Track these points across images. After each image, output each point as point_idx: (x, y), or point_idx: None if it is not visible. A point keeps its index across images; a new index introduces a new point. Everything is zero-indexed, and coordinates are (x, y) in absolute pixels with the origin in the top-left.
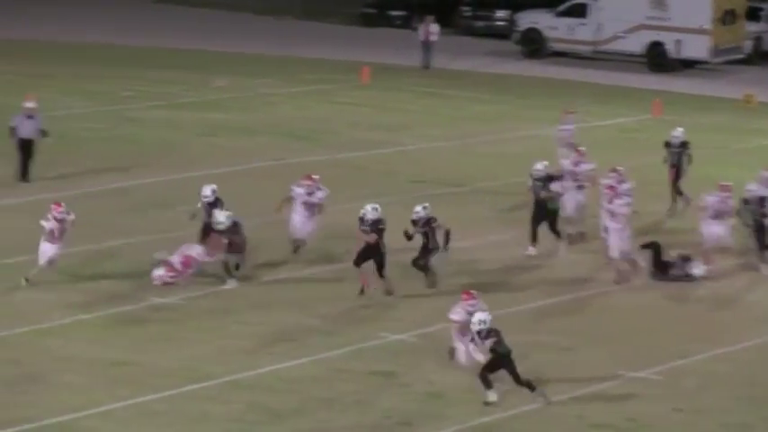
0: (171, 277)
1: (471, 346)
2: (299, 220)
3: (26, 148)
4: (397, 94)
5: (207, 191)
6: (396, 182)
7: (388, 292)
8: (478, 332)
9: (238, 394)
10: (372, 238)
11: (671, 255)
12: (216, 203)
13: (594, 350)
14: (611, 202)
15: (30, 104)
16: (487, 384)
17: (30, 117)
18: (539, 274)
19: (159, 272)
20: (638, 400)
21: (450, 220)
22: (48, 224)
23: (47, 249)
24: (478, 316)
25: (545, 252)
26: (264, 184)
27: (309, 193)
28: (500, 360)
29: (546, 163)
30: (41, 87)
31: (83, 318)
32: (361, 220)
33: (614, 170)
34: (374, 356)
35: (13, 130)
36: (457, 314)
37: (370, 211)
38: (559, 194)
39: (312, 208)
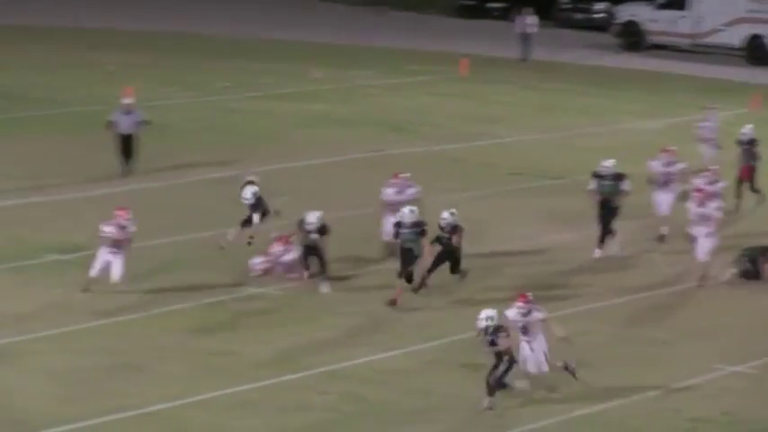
0: (267, 262)
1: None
2: (390, 222)
3: (125, 143)
4: (496, 87)
5: (247, 193)
6: (494, 174)
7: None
8: (485, 329)
9: (334, 385)
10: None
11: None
12: (257, 205)
13: (691, 344)
14: (701, 204)
15: (127, 100)
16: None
17: (128, 113)
18: (632, 271)
19: (257, 260)
20: (735, 394)
21: (548, 212)
22: (108, 229)
23: (105, 259)
24: (485, 313)
25: (638, 250)
26: (361, 175)
27: (399, 192)
28: (499, 356)
29: (613, 161)
30: (141, 78)
31: (181, 307)
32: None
33: (707, 170)
34: (466, 349)
35: (110, 125)
36: (511, 314)
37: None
38: (627, 193)
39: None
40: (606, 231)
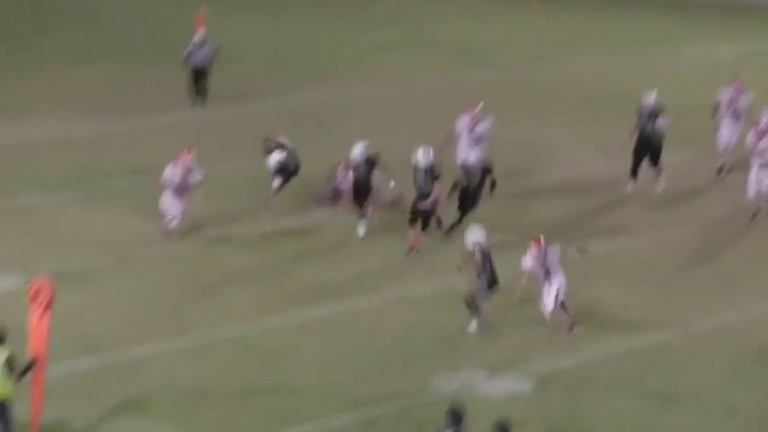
0: (332, 188)
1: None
2: (464, 152)
3: (198, 76)
4: (567, 13)
5: (273, 160)
6: (564, 101)
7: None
8: (472, 252)
9: (405, 310)
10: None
11: None
12: (282, 171)
13: (759, 274)
14: (759, 139)
15: (199, 33)
16: (476, 310)
17: (201, 45)
18: (697, 201)
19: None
20: None
21: (619, 141)
22: (173, 171)
23: (169, 206)
24: (473, 236)
25: (699, 181)
26: (433, 102)
27: (473, 125)
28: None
29: (655, 95)
30: (210, 2)
31: (250, 231)
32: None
33: None
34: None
35: (186, 59)
36: (527, 262)
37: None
38: (665, 130)
39: (478, 139)
40: (637, 166)
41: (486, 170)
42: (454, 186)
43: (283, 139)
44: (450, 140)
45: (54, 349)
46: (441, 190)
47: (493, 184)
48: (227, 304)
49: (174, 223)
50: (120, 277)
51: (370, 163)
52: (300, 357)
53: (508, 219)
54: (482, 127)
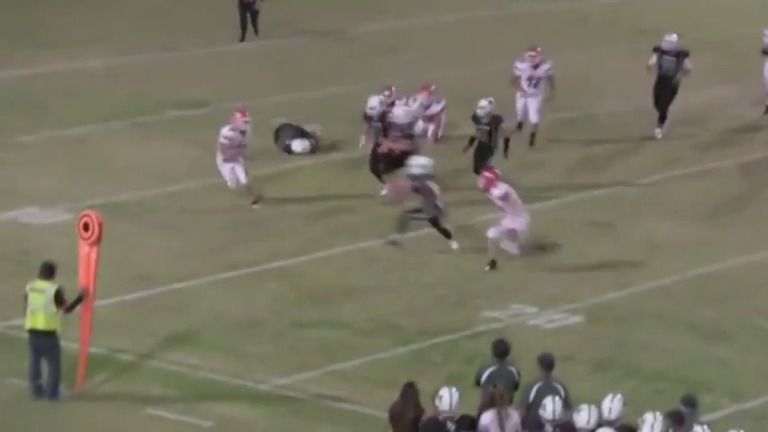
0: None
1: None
2: (522, 103)
3: (246, 10)
4: None
5: (374, 101)
6: (617, 32)
7: None
8: (411, 175)
9: (457, 240)
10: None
11: None
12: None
13: None
14: None
15: None
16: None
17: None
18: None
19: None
20: None
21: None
22: (228, 134)
23: (228, 167)
24: (417, 161)
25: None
26: (484, 34)
27: (535, 66)
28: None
29: (676, 36)
30: None
31: (303, 164)
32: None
33: None
34: (592, 207)
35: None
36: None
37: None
38: (688, 71)
39: (539, 83)
40: (664, 111)
41: (497, 121)
42: (471, 141)
43: (311, 126)
44: (514, 83)
45: (103, 282)
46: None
47: (506, 142)
48: (277, 238)
49: (241, 183)
50: (169, 210)
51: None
52: (350, 292)
53: (556, 151)
54: (542, 70)
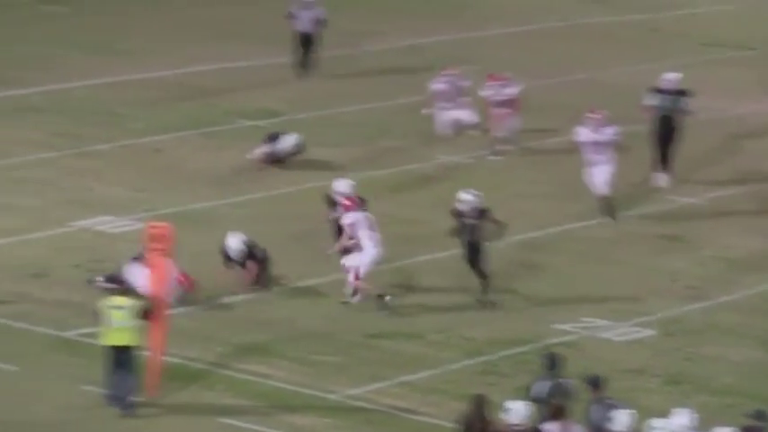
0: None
1: None
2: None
3: (303, 41)
4: None
5: (341, 186)
6: (687, 44)
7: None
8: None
9: (528, 252)
10: None
11: None
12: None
13: None
14: None
15: None
16: None
17: (307, 8)
18: None
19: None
20: None
21: (742, 82)
22: (439, 86)
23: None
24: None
25: None
26: (551, 45)
27: (596, 131)
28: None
29: (677, 75)
30: None
31: (374, 173)
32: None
33: None
34: (664, 220)
35: (290, 16)
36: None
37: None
38: (690, 113)
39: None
40: (665, 154)
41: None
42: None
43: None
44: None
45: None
46: None
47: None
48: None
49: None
50: (240, 219)
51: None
52: (421, 303)
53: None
54: (606, 134)
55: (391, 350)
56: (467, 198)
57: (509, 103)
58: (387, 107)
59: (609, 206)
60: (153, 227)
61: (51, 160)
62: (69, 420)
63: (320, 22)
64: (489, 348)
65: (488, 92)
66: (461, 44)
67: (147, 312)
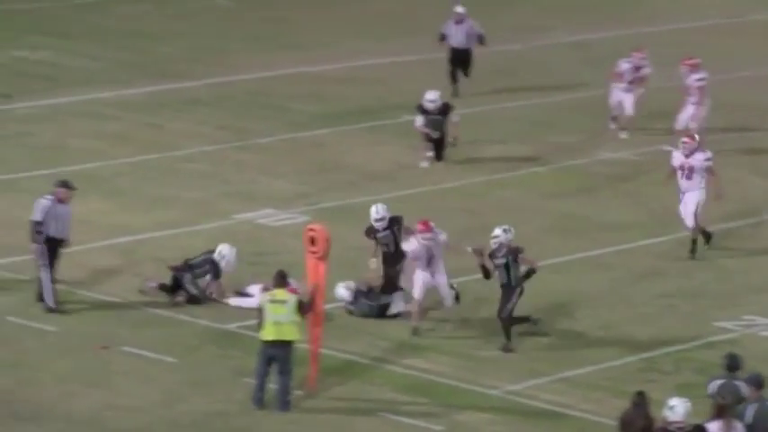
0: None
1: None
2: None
3: (458, 57)
4: None
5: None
6: None
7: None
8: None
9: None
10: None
11: None
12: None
13: None
14: None
15: (459, 9)
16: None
17: (459, 22)
18: None
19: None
20: None
21: None
22: (625, 66)
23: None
24: (375, 208)
25: None
26: (717, 42)
27: (687, 155)
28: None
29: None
30: None
31: (537, 170)
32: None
33: None
34: None
35: (443, 38)
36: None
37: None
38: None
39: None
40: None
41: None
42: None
43: None
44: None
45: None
46: None
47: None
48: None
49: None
50: (402, 213)
51: None
52: (582, 299)
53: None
54: (696, 160)
55: (551, 346)
56: (497, 234)
57: (692, 90)
58: (552, 103)
59: (692, 240)
60: (310, 229)
61: (216, 153)
62: (229, 412)
63: (474, 38)
64: (650, 345)
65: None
66: (627, 40)
67: (305, 308)
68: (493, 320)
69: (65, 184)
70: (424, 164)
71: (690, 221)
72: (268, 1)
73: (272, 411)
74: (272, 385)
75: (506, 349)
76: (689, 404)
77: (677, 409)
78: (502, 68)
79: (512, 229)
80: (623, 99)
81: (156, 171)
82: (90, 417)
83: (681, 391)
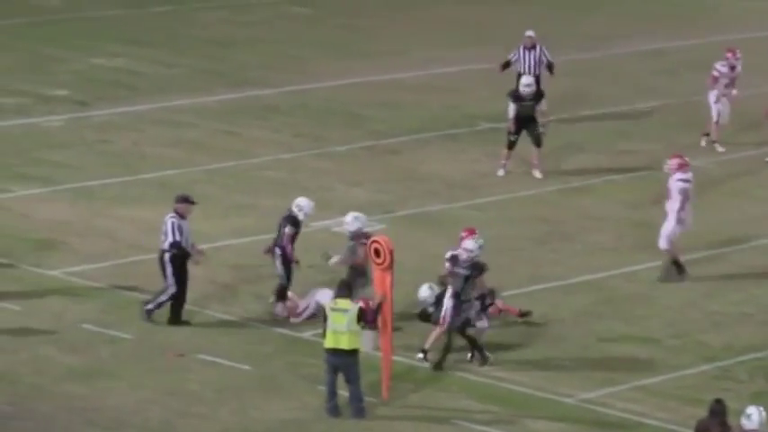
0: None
1: None
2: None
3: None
4: None
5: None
6: None
7: None
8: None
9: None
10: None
11: None
12: None
13: None
14: None
15: (529, 33)
16: None
17: (528, 47)
18: None
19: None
20: None
21: None
22: (722, 70)
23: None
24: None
25: None
26: None
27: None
28: None
29: None
30: None
31: (613, 178)
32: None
33: None
34: None
35: (506, 65)
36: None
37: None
38: None
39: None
40: None
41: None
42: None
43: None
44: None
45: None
46: None
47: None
48: (585, 250)
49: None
50: (477, 221)
51: None
52: (656, 307)
53: None
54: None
55: (625, 354)
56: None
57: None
58: (627, 111)
59: (664, 263)
60: (374, 241)
61: (292, 160)
62: (303, 419)
63: (543, 64)
64: (725, 354)
65: None
66: (703, 48)
67: (368, 317)
68: (564, 328)
69: (185, 200)
70: (501, 172)
71: (662, 242)
72: (342, 9)
73: (347, 419)
74: (345, 393)
75: (483, 361)
76: (765, 413)
77: (754, 417)
78: (579, 76)
79: (481, 242)
80: (722, 107)
81: (232, 178)
82: (164, 425)
83: (755, 399)
